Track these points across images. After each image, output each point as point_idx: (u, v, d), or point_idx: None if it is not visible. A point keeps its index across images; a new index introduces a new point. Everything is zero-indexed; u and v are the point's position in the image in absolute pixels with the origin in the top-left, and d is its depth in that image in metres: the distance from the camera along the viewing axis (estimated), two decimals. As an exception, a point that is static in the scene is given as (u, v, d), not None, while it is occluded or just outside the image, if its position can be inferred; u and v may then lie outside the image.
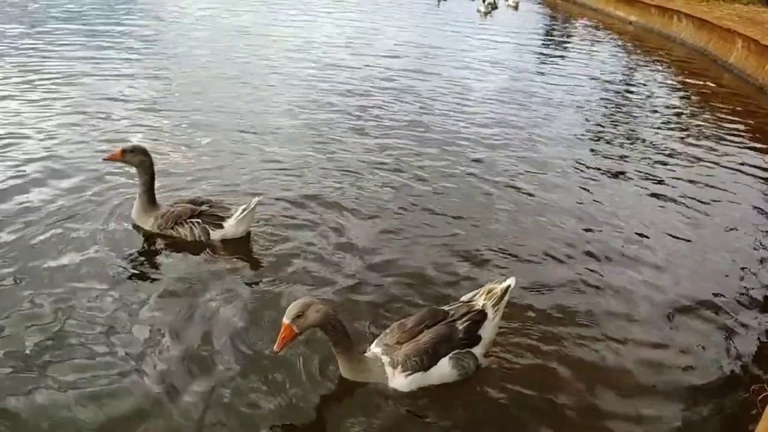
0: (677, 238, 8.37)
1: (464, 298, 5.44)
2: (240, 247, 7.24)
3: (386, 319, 5.81)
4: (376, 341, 5.11)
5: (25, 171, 8.67)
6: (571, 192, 9.65)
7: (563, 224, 8.45)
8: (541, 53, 22.19)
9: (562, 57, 21.49)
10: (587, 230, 8.32)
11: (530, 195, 9.38)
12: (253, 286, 6.46)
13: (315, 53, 18.42)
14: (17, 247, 6.73)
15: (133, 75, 14.25)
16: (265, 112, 12.50)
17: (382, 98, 14.03)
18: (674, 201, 9.59)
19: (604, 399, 5.18)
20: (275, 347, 4.54)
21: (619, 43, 25.66)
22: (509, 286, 5.35)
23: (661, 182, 10.37)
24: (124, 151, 7.14)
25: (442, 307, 5.29)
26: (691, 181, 10.54)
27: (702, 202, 9.61)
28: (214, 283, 6.46)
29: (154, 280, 6.50)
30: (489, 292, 5.32)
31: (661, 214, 9.14)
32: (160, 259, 6.92)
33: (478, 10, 30.97)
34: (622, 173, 10.69)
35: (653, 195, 9.79)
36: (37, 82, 12.82)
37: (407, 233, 7.80)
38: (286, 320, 4.53)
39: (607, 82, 18.25)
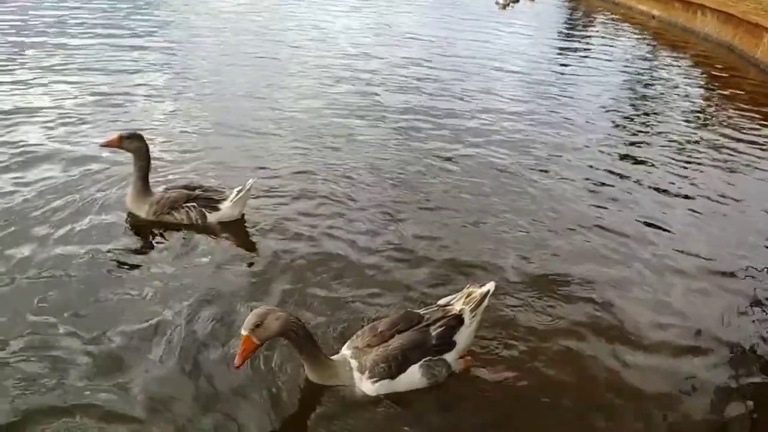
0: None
1: (441, 301, 4.93)
2: (237, 228, 6.96)
3: (377, 309, 5.46)
4: (347, 343, 4.64)
5: (28, 152, 8.37)
6: (591, 178, 9.24)
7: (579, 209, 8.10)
8: (563, 47, 21.12)
9: (583, 50, 20.49)
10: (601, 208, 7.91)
11: (550, 179, 9.01)
12: (251, 267, 6.21)
13: (335, 42, 17.67)
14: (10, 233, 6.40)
15: (150, 64, 13.57)
16: (281, 97, 12.03)
17: (398, 86, 13.44)
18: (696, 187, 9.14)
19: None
20: (236, 361, 4.09)
21: (642, 37, 24.40)
22: (489, 291, 4.83)
23: (685, 177, 9.76)
24: (121, 138, 6.76)
25: (417, 311, 4.81)
26: (715, 167, 10.09)
27: (723, 194, 9.13)
28: (211, 266, 6.17)
29: (151, 266, 6.14)
30: (468, 296, 4.81)
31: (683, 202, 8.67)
32: (157, 245, 6.57)
33: (497, 2, 29.54)
34: (646, 161, 10.15)
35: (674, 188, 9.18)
36: (57, 69, 12.38)
37: (413, 218, 7.42)
38: (244, 331, 4.06)
39: (630, 75, 17.25)
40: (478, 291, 4.82)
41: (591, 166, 9.76)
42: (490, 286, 4.87)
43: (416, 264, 6.41)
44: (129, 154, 6.87)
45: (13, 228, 6.47)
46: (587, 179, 9.18)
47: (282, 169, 8.64)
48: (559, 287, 6.17)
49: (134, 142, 6.77)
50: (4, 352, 4.70)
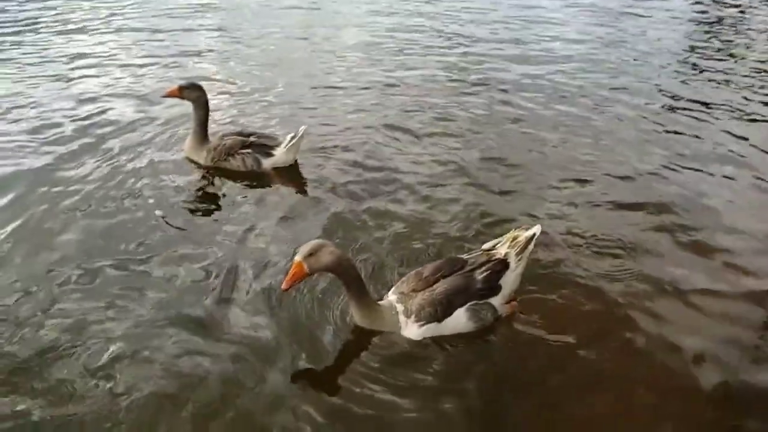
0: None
1: (486, 246, 4.80)
2: (291, 174, 7.05)
3: (425, 256, 5.39)
4: (393, 288, 4.62)
5: (99, 106, 8.68)
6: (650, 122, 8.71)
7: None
8: None
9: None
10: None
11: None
12: (305, 211, 6.26)
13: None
14: (75, 176, 6.76)
15: (210, 24, 13.35)
16: (337, 50, 11.71)
17: (458, 41, 12.59)
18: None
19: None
20: (284, 284, 4.16)
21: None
22: (534, 235, 4.68)
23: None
24: (181, 88, 6.91)
25: (461, 256, 4.73)
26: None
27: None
28: (267, 210, 6.29)
29: (210, 211, 6.35)
30: (513, 239, 4.68)
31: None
32: (214, 190, 6.75)
33: None
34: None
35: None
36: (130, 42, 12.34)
37: (468, 168, 7.22)
38: (297, 258, 4.13)
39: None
40: (524, 234, 4.68)
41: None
42: (536, 229, 4.70)
43: (467, 212, 6.24)
44: (189, 104, 7.02)
45: (84, 165, 6.94)
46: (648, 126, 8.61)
47: (337, 116, 8.60)
48: (613, 240, 5.81)
49: (194, 92, 6.90)
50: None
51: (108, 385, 4.02)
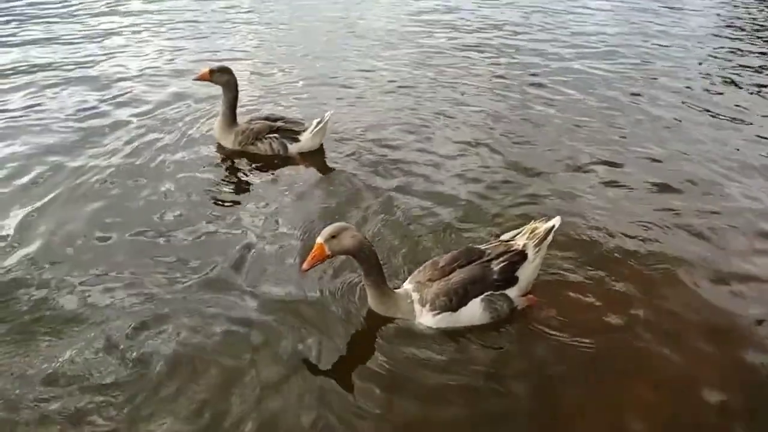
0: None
1: (504, 236, 4.74)
2: (316, 159, 7.06)
3: (446, 245, 5.31)
4: (410, 277, 4.59)
5: (129, 86, 8.85)
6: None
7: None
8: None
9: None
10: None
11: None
12: (327, 196, 6.26)
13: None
14: (104, 153, 6.91)
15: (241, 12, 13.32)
16: (367, 32, 11.70)
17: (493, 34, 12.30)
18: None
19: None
20: (304, 265, 4.15)
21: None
22: (554, 227, 4.58)
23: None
24: (211, 71, 6.95)
25: (478, 246, 4.67)
26: None
27: None
28: (291, 193, 6.32)
29: (236, 193, 6.40)
30: (532, 231, 4.60)
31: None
32: (240, 172, 6.80)
33: None
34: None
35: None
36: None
37: (499, 152, 7.15)
38: (319, 240, 4.11)
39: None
40: (543, 226, 4.59)
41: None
42: (556, 221, 4.61)
43: (496, 199, 6.18)
44: (219, 87, 7.05)
45: (117, 142, 7.14)
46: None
47: (365, 102, 8.55)
48: (641, 231, 5.68)
49: (224, 76, 6.94)
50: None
51: (130, 353, 4.13)
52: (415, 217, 5.86)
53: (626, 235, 5.54)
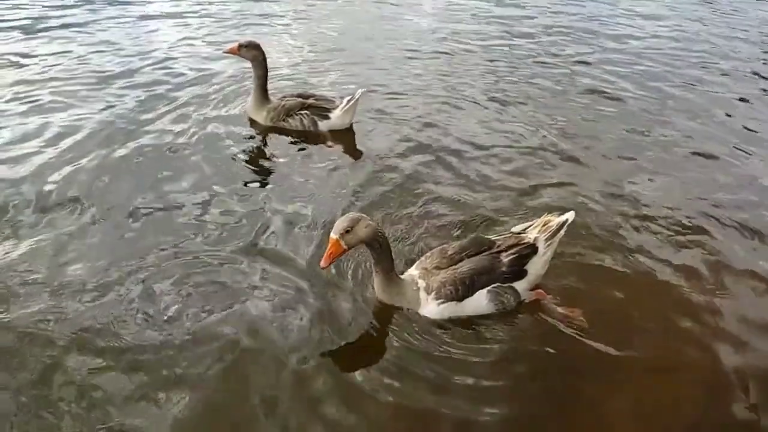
0: None
1: (515, 228, 4.55)
2: (345, 137, 7.01)
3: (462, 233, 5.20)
4: (416, 263, 4.47)
5: (168, 59, 8.94)
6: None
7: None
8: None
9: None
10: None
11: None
12: (354, 174, 6.20)
13: None
14: (140, 123, 6.99)
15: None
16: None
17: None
18: None
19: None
20: (322, 262, 4.03)
21: None
22: (566, 221, 4.38)
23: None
24: (240, 46, 6.94)
25: (489, 237, 4.51)
26: None
27: None
28: (318, 170, 6.30)
29: (264, 168, 6.41)
30: (544, 224, 4.41)
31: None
32: (271, 149, 6.80)
33: None
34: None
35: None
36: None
37: (531, 142, 6.93)
38: (334, 235, 3.99)
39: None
40: (556, 220, 4.40)
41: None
42: (569, 215, 4.41)
43: (529, 192, 5.97)
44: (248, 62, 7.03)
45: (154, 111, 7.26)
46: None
47: (401, 81, 8.41)
48: (685, 223, 5.48)
49: (251, 51, 6.91)
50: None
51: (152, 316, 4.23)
52: (442, 199, 5.74)
53: (658, 232, 5.33)
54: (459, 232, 5.20)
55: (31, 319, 4.11)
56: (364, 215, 4.15)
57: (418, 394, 3.77)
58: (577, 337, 4.19)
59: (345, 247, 4.04)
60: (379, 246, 4.12)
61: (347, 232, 4.00)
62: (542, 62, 9.20)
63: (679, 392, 3.93)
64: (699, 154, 6.83)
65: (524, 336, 4.25)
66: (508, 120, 7.40)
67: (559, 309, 4.35)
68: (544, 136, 7.05)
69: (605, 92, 8.36)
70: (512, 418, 3.68)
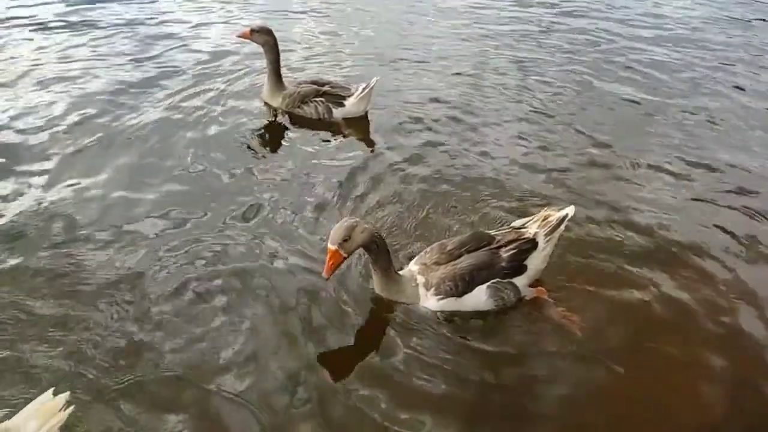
0: None
1: (515, 223, 4.45)
2: (359, 126, 6.93)
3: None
4: (415, 258, 4.42)
5: (190, 37, 9.09)
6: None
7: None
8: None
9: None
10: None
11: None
12: (366, 164, 6.15)
13: None
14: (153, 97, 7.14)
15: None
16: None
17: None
18: None
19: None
20: (324, 273, 3.99)
21: None
22: (566, 216, 4.27)
23: None
24: (252, 31, 6.91)
25: (489, 232, 4.43)
26: None
27: None
28: (329, 158, 6.26)
29: (280, 154, 6.42)
30: (544, 219, 4.31)
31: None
32: (287, 134, 6.81)
33: None
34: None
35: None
36: None
37: (551, 139, 6.72)
38: (332, 246, 3.94)
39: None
40: (556, 215, 4.29)
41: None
42: (569, 210, 4.30)
43: (538, 184, 5.83)
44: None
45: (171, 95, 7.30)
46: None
47: (420, 71, 8.27)
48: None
49: (263, 36, 6.88)
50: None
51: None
52: (452, 190, 5.67)
53: (668, 232, 5.15)
54: (476, 218, 5.19)
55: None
56: (359, 220, 4.08)
57: (415, 389, 3.75)
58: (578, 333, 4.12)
59: (345, 255, 4.00)
60: (376, 247, 4.08)
61: (345, 240, 3.95)
62: (573, 59, 8.83)
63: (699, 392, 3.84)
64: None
65: (522, 332, 4.20)
66: (528, 116, 7.17)
67: (559, 310, 4.26)
68: (572, 127, 6.88)
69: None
70: (517, 414, 3.66)
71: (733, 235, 5.14)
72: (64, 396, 2.87)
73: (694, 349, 4.09)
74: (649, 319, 4.28)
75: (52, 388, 2.97)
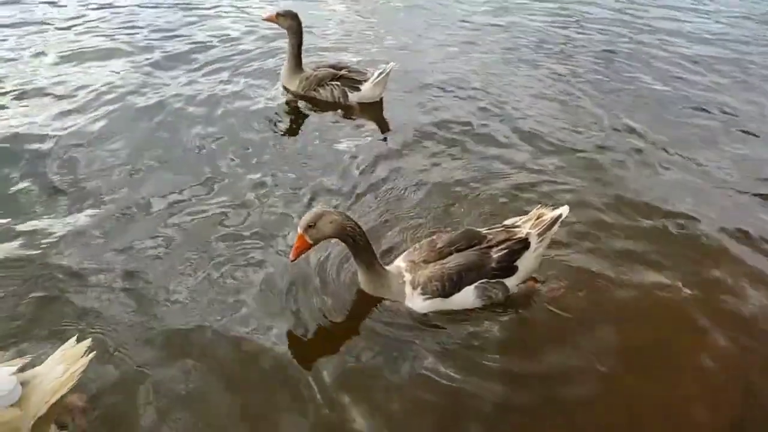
0: None
1: (507, 222, 4.18)
2: (374, 111, 6.81)
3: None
4: (404, 254, 4.19)
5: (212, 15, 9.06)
6: None
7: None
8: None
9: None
10: None
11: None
12: (376, 148, 6.02)
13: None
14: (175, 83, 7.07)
15: None
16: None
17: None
18: None
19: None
20: (290, 256, 3.89)
21: None
22: (560, 216, 3.99)
23: None
24: (278, 14, 6.84)
25: (480, 230, 4.16)
26: None
27: None
28: (341, 142, 6.15)
29: (295, 135, 6.34)
30: (537, 218, 4.03)
31: None
32: (302, 117, 6.71)
33: None
34: None
35: None
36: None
37: (564, 136, 6.41)
38: (299, 230, 3.82)
39: None
40: (549, 214, 4.01)
41: None
42: (563, 210, 4.01)
43: (544, 179, 5.58)
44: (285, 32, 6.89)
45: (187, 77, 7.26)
46: None
47: (440, 57, 8.07)
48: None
49: (288, 20, 6.78)
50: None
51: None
52: (460, 182, 5.45)
53: (669, 226, 4.92)
54: (488, 208, 5.03)
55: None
56: (329, 210, 3.88)
57: (402, 384, 3.59)
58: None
59: (310, 242, 3.85)
60: (352, 240, 3.87)
61: (310, 227, 3.79)
62: (589, 57, 8.41)
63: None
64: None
65: (511, 326, 3.99)
66: (544, 108, 6.88)
67: (546, 290, 4.11)
68: (593, 123, 6.60)
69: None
70: (511, 408, 3.49)
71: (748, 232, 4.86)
72: (86, 342, 3.00)
73: (710, 348, 3.87)
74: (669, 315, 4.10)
75: (75, 335, 3.08)
